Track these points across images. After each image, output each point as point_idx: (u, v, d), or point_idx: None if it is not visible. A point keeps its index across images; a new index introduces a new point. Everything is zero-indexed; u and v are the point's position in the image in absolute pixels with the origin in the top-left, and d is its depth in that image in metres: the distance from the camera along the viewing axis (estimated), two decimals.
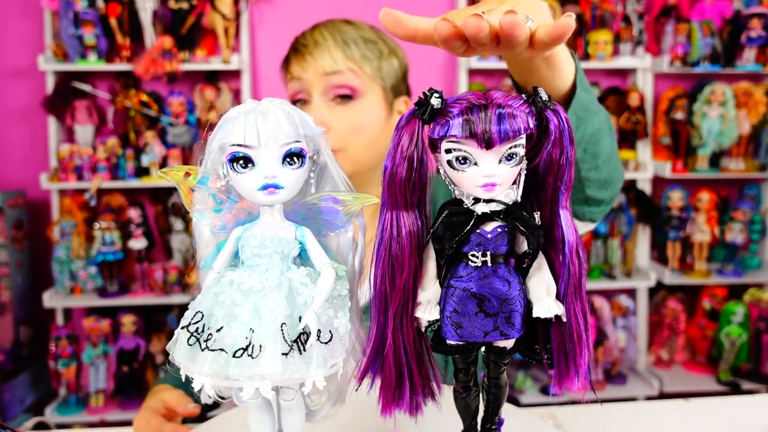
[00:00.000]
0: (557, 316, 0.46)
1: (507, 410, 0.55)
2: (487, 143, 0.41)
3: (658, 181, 2.21)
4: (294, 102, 1.00)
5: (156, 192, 2.10)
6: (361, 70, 0.98)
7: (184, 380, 0.45)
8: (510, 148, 0.42)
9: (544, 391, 2.03)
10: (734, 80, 2.12)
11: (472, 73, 2.16)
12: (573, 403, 0.92)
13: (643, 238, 2.19)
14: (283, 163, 0.45)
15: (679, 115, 2.10)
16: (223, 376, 0.42)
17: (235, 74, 2.07)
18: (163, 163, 1.99)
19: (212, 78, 2.06)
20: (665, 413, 0.92)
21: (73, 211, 1.97)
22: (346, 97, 0.97)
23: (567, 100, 0.72)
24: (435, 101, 0.42)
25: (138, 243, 1.97)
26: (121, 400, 1.98)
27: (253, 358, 0.42)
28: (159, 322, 2.08)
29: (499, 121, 0.41)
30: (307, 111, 0.95)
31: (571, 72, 0.72)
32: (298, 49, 1.00)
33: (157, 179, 1.96)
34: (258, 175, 0.45)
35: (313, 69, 0.96)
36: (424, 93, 0.43)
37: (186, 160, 1.99)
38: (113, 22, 1.93)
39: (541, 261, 0.46)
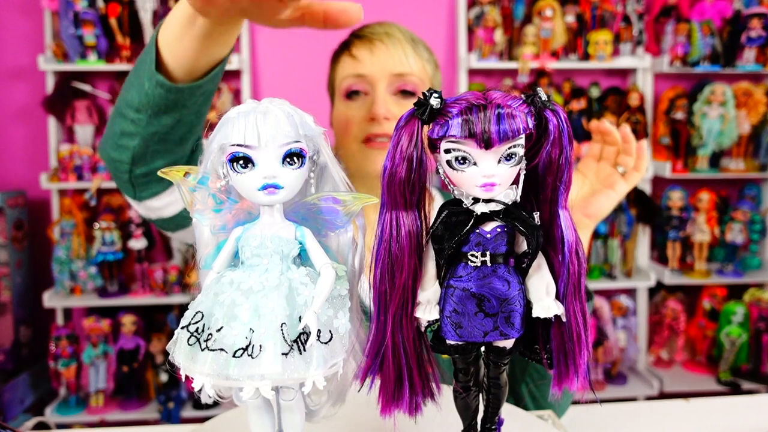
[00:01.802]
0: (557, 316, 0.46)
1: (507, 410, 0.55)
2: (487, 143, 0.41)
3: (658, 181, 2.21)
4: (349, 93, 0.98)
5: None
6: (424, 70, 0.99)
7: (183, 379, 0.45)
8: (509, 148, 0.42)
9: None
10: (734, 80, 2.13)
11: (472, 73, 2.16)
12: (573, 403, 0.93)
13: (643, 238, 2.19)
14: (283, 163, 0.45)
15: (679, 115, 2.10)
16: (223, 376, 0.42)
17: (235, 74, 2.07)
18: None
19: None
20: (665, 413, 0.92)
21: (73, 211, 1.97)
22: (408, 93, 0.98)
23: None
24: (434, 101, 0.42)
25: (138, 243, 1.97)
26: (121, 400, 1.99)
27: (253, 358, 0.42)
28: (159, 322, 2.08)
29: (498, 121, 0.41)
30: (367, 101, 0.96)
31: None
32: (365, 35, 0.98)
33: None
34: (258, 175, 0.45)
35: (385, 57, 0.96)
36: (423, 93, 0.43)
37: None
38: (113, 22, 1.93)
39: (540, 261, 0.46)
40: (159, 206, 0.83)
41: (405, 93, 0.98)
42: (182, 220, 0.87)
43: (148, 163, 0.78)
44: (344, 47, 1.01)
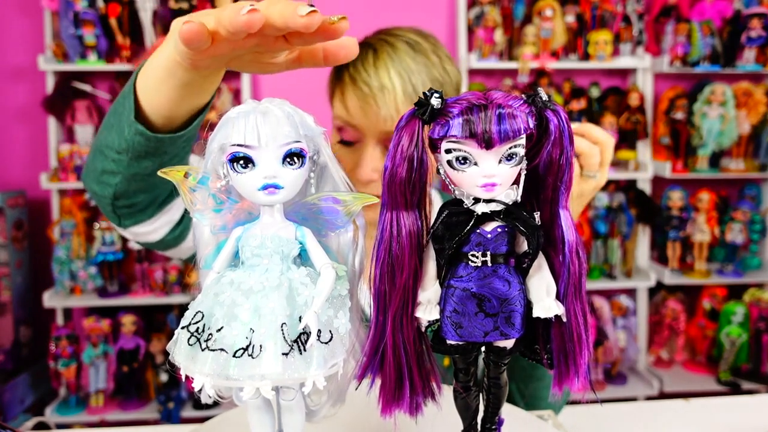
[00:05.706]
0: (557, 316, 0.46)
1: (507, 410, 0.55)
2: (487, 143, 0.41)
3: (658, 181, 2.21)
4: (341, 138, 0.93)
5: None
6: None
7: (184, 379, 0.45)
8: (510, 148, 0.42)
9: None
10: (734, 80, 2.13)
11: (472, 73, 2.16)
12: (573, 403, 0.93)
13: (643, 238, 2.19)
14: (283, 163, 0.45)
15: (679, 115, 2.10)
16: (223, 376, 0.42)
17: (235, 74, 2.07)
18: None
19: None
20: (665, 413, 0.92)
21: (73, 211, 1.97)
22: None
23: None
24: (435, 101, 0.42)
25: None
26: (121, 400, 1.98)
27: (253, 358, 0.42)
28: (159, 322, 2.09)
29: (499, 121, 0.41)
30: (356, 153, 0.90)
31: None
32: (359, 86, 0.89)
33: None
34: (258, 175, 0.45)
35: (375, 116, 0.88)
36: (424, 93, 0.43)
37: None
38: (113, 22, 1.93)
39: (541, 261, 0.46)
40: (144, 232, 0.84)
41: None
42: (169, 242, 0.87)
43: (131, 197, 0.78)
44: (340, 78, 0.93)
